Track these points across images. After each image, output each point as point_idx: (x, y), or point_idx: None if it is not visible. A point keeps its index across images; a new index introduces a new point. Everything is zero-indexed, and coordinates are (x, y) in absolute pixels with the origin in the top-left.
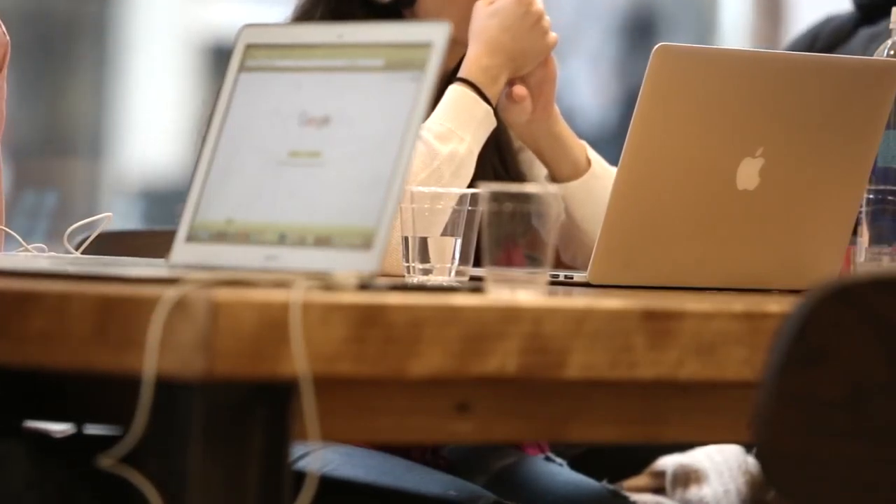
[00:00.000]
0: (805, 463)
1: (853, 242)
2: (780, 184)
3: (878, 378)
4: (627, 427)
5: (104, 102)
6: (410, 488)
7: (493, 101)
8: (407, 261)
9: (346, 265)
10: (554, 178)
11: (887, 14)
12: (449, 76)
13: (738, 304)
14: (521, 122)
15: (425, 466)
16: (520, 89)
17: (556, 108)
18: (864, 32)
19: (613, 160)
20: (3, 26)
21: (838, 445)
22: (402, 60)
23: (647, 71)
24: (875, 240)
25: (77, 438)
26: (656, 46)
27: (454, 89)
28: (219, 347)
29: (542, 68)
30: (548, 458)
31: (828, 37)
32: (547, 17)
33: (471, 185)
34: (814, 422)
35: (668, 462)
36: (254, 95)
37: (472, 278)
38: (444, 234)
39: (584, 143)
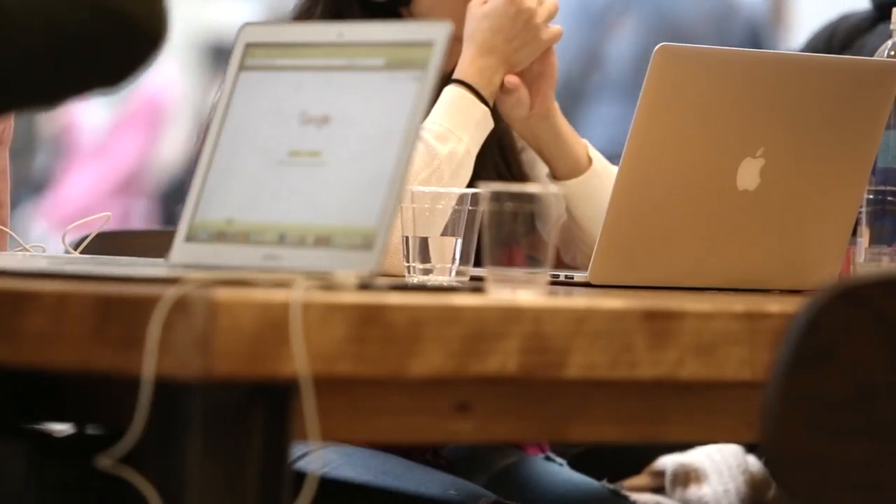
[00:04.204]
0: (811, 462)
1: (853, 242)
2: (780, 184)
3: (884, 378)
4: (627, 427)
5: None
6: (410, 488)
7: (491, 102)
8: (407, 261)
9: (347, 265)
10: (555, 175)
11: None
12: (446, 77)
13: (738, 304)
14: (519, 115)
15: (425, 466)
16: (512, 78)
17: (557, 105)
18: (884, 29)
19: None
20: None
21: (844, 445)
22: (403, 60)
23: (648, 71)
24: (875, 240)
25: (77, 438)
26: (657, 46)
27: (451, 90)
28: (218, 347)
29: (540, 63)
30: (548, 458)
31: (845, 32)
32: (542, 12)
33: (473, 185)
34: (820, 421)
35: (668, 461)
36: (254, 94)
37: (473, 278)
38: (444, 234)
39: (585, 141)
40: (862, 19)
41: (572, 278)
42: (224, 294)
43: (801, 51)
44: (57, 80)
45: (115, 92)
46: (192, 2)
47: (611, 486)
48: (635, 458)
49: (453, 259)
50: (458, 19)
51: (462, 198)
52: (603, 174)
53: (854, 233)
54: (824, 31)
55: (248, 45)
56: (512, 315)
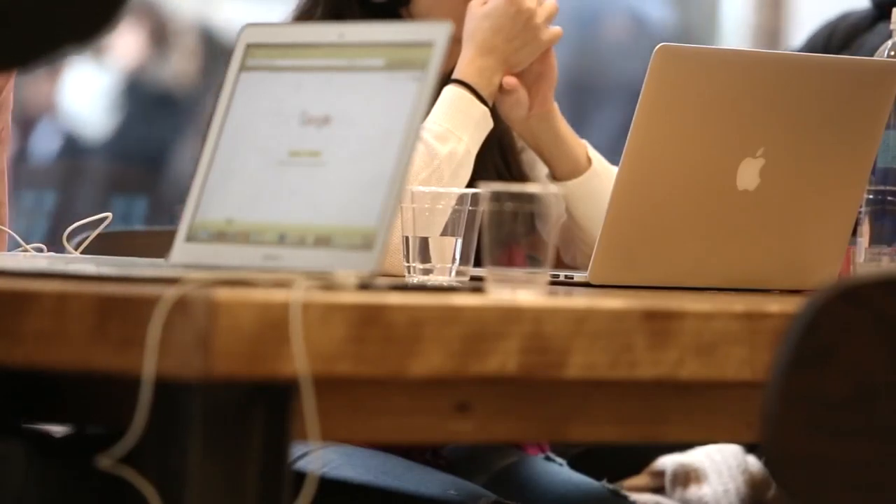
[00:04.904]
0: (811, 462)
1: (853, 242)
2: (780, 184)
3: (884, 378)
4: (627, 427)
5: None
6: (410, 488)
7: (490, 102)
8: (407, 261)
9: (347, 265)
10: (554, 176)
11: None
12: (445, 77)
13: (738, 304)
14: (518, 116)
15: (425, 466)
16: (510, 79)
17: (556, 106)
18: (884, 27)
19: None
20: None
21: (844, 445)
22: (403, 60)
23: (648, 71)
24: (875, 240)
25: (77, 438)
26: (657, 46)
27: (450, 90)
28: (218, 347)
29: (539, 63)
30: (548, 458)
31: (844, 30)
32: (541, 12)
33: (472, 185)
34: (820, 421)
35: (668, 461)
36: (254, 95)
37: (473, 278)
38: (444, 234)
39: (584, 141)
40: (861, 18)
41: (572, 278)
42: (224, 294)
43: (801, 50)
44: (25, 39)
45: (85, 51)
46: (193, 2)
47: (611, 486)
48: (635, 458)
49: (453, 259)
50: (458, 20)
51: (462, 198)
52: (602, 174)
53: (854, 233)
54: (824, 30)
55: (249, 46)
56: (512, 315)
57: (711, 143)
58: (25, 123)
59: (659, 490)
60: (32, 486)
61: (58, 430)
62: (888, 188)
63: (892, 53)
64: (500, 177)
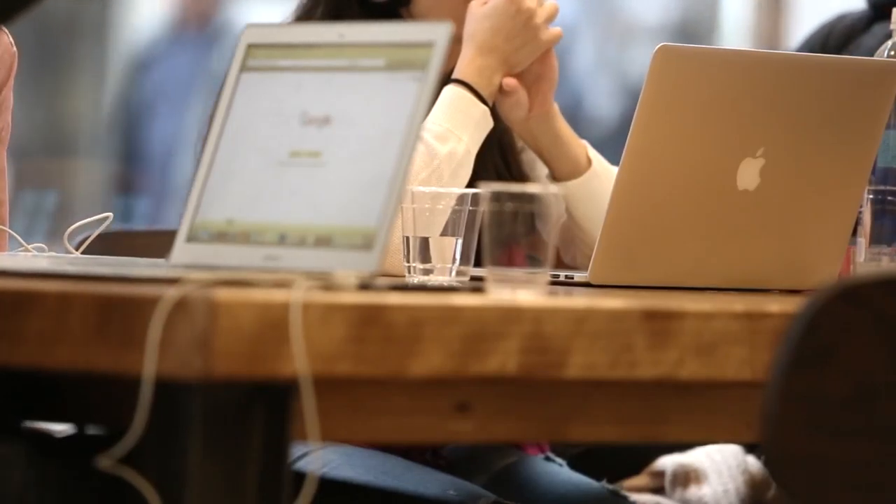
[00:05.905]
0: (811, 462)
1: (853, 242)
2: (780, 184)
3: (884, 378)
4: (627, 427)
5: (104, 103)
6: (410, 488)
7: (490, 101)
8: (407, 261)
9: (347, 265)
10: (554, 176)
11: None
12: (445, 77)
13: (738, 304)
14: (518, 117)
15: (425, 466)
16: (509, 80)
17: (556, 107)
18: (880, 29)
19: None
20: (10, 37)
21: (844, 445)
22: (404, 60)
23: (648, 71)
24: (875, 240)
25: (77, 438)
26: (657, 46)
27: (450, 90)
28: (218, 347)
29: (540, 64)
30: (548, 458)
31: (841, 32)
32: (542, 13)
33: (472, 185)
34: (820, 421)
35: (668, 462)
36: (255, 95)
37: (473, 278)
38: (444, 234)
39: (584, 142)
40: (857, 19)
41: (572, 278)
42: (224, 294)
43: (798, 51)
44: None
45: None
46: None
47: (611, 487)
48: (635, 458)
49: (453, 259)
50: (458, 20)
51: (462, 198)
52: (602, 175)
53: (854, 233)
54: (821, 32)
55: (250, 46)
56: (512, 315)
57: (711, 143)
58: None
59: (659, 490)
60: (32, 486)
61: (58, 429)
62: (888, 188)
63: (892, 53)
64: (500, 177)
